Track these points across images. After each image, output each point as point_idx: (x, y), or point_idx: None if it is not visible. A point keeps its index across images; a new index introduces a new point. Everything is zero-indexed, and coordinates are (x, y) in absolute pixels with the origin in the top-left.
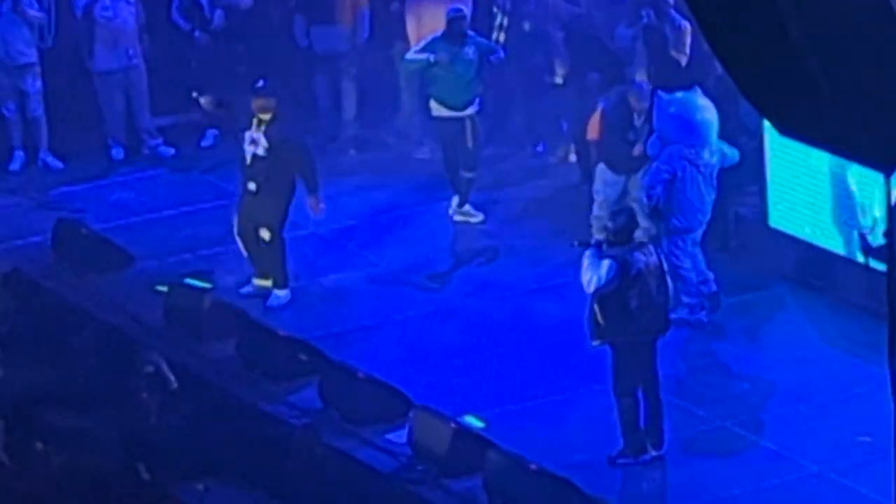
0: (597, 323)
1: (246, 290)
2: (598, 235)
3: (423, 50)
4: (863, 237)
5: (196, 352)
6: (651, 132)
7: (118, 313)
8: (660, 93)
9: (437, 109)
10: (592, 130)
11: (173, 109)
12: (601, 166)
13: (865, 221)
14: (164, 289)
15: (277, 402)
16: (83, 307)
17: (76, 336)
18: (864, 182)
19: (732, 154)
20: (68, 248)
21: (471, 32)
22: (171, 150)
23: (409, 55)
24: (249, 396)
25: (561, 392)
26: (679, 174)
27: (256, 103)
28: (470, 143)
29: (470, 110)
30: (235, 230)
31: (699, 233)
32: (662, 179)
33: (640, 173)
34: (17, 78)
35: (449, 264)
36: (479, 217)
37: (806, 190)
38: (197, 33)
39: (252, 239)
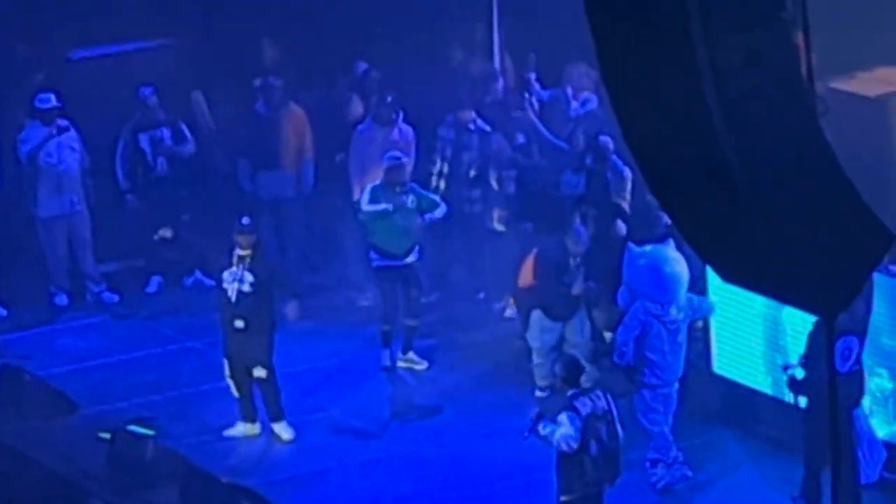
0: (560, 478)
1: (231, 433)
2: (541, 382)
3: (368, 200)
4: (789, 373)
5: (139, 498)
6: (587, 276)
7: (61, 460)
8: (630, 244)
9: (378, 258)
10: (525, 277)
11: (117, 255)
12: (537, 313)
13: (793, 358)
14: (106, 436)
15: None
16: (26, 454)
17: (19, 483)
18: (796, 320)
19: (704, 306)
20: (11, 394)
21: (411, 183)
22: (115, 297)
23: (366, 207)
24: None
25: None
26: (646, 329)
27: (240, 239)
28: (413, 291)
29: (411, 258)
30: (227, 373)
31: (671, 390)
32: (632, 337)
33: (576, 319)
34: None
35: (393, 411)
36: (424, 364)
37: (745, 334)
38: (138, 186)
39: (245, 380)
